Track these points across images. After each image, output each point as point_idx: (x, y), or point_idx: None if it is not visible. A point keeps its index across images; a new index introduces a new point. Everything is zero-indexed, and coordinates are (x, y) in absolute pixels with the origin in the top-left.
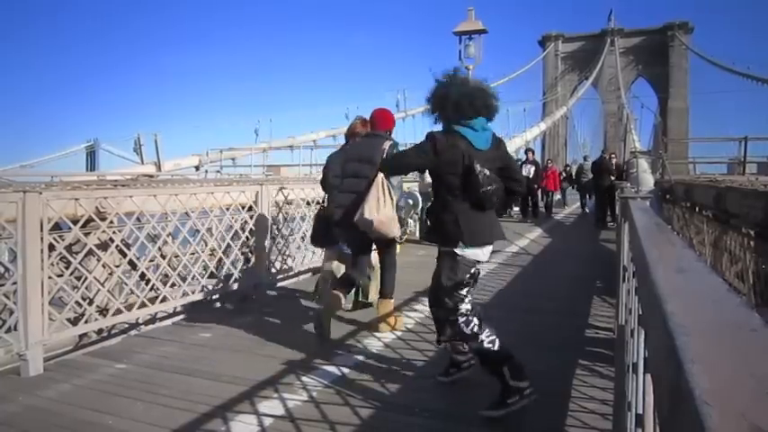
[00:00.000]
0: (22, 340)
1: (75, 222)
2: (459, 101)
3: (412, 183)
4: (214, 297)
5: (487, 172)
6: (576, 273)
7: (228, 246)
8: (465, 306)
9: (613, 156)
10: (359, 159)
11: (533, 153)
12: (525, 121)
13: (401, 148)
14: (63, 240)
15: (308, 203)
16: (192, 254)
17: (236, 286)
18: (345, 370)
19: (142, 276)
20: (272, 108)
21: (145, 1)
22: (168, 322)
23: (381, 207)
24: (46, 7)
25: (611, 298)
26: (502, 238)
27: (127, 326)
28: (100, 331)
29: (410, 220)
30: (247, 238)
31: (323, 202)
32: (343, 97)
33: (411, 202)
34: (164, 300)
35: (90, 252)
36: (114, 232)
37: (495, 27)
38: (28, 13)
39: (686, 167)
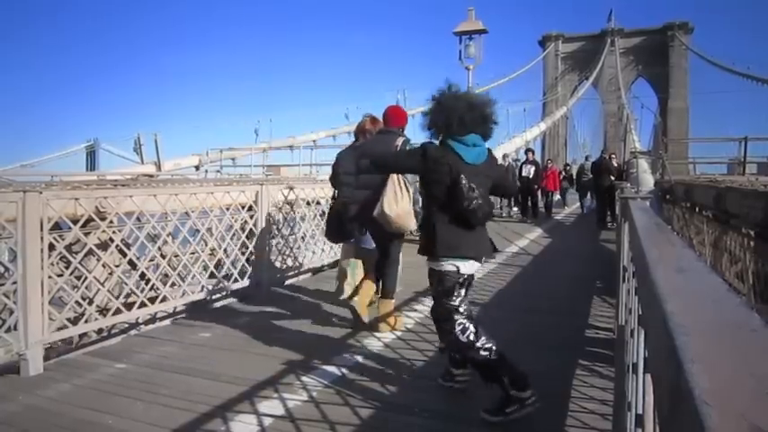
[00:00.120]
0: (21, 340)
1: (75, 222)
2: (449, 122)
3: None
4: (214, 297)
5: (473, 186)
6: (576, 273)
7: (228, 245)
8: (459, 315)
9: (614, 156)
10: (372, 156)
11: (533, 153)
12: (525, 121)
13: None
14: (63, 240)
15: (308, 203)
16: (192, 254)
17: (235, 286)
18: (345, 370)
19: (142, 276)
20: (272, 108)
21: (145, 1)
22: (168, 322)
23: (399, 201)
24: (46, 7)
25: (611, 298)
26: (488, 256)
27: (127, 325)
28: (100, 331)
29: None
30: (247, 237)
31: (334, 197)
32: (343, 97)
33: None
34: (163, 299)
35: (90, 252)
36: (114, 232)
37: (495, 27)
38: (28, 13)
39: (686, 168)
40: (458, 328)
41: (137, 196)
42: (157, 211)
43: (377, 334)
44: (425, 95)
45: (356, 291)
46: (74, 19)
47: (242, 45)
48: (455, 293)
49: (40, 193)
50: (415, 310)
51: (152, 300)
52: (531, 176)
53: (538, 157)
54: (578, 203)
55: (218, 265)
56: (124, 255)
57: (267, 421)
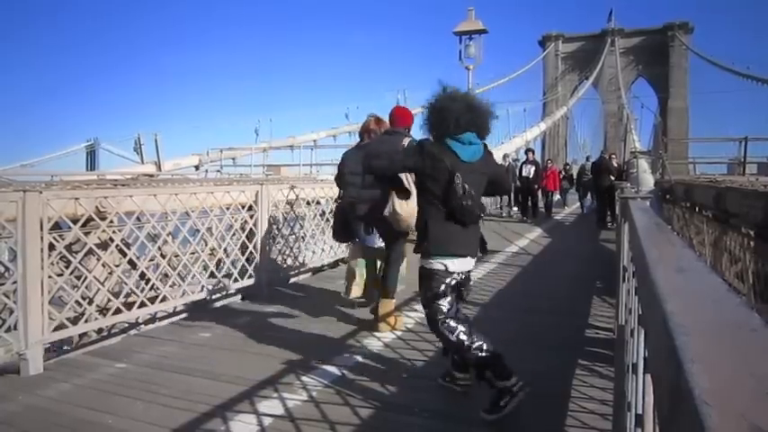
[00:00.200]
0: (21, 339)
1: (75, 222)
2: (446, 123)
3: None
4: (214, 297)
5: (467, 187)
6: (575, 273)
7: (228, 245)
8: (446, 316)
9: (614, 156)
10: (378, 156)
11: (533, 153)
12: (525, 121)
13: None
14: (63, 240)
15: (308, 203)
16: (192, 253)
17: (235, 286)
18: (345, 370)
19: (142, 276)
20: (272, 108)
21: (145, 1)
22: (168, 322)
23: (410, 200)
24: (46, 7)
25: (611, 298)
26: (474, 256)
27: (127, 325)
28: (100, 330)
29: None
30: (247, 237)
31: (339, 197)
32: (343, 97)
33: None
34: (163, 299)
35: (90, 251)
36: (114, 232)
37: (495, 27)
38: (28, 13)
39: (686, 167)
40: (446, 329)
41: (137, 196)
42: (157, 211)
43: (377, 334)
44: (425, 95)
45: (365, 290)
46: (74, 19)
47: (242, 45)
48: (442, 293)
49: (40, 192)
50: (416, 310)
51: (152, 299)
52: (531, 176)
53: (538, 157)
54: (578, 203)
55: (219, 264)
56: (124, 254)
57: (267, 421)
